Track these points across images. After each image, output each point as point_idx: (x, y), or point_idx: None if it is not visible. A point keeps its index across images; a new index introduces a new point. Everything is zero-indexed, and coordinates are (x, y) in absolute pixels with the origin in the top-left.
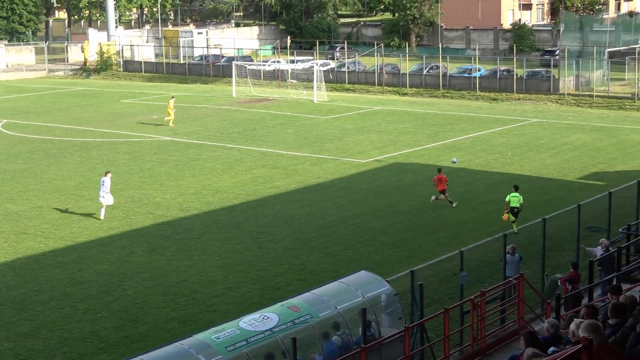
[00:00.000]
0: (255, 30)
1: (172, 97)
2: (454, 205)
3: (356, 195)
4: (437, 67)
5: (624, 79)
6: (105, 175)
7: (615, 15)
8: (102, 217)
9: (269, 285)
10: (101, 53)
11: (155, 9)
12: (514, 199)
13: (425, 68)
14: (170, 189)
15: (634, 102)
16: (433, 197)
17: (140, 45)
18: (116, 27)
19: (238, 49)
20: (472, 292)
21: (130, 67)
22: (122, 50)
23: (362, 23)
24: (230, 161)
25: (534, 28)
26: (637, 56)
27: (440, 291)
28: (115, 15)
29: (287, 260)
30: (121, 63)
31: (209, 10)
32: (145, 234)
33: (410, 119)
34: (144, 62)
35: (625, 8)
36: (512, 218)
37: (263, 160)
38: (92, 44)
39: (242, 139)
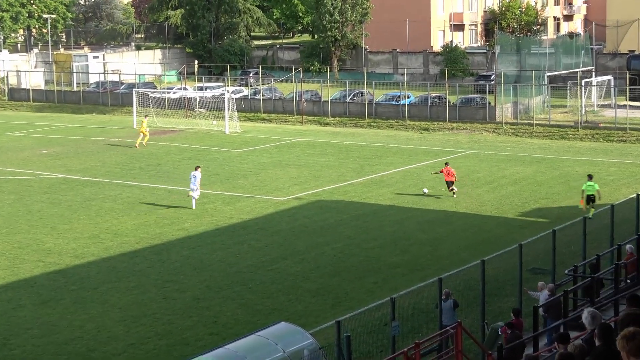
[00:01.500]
0: (158, 53)
1: (146, 117)
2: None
3: (274, 237)
4: (362, 94)
5: (565, 106)
6: (196, 170)
7: (555, 36)
8: (194, 207)
9: (177, 341)
10: None
11: (44, 30)
12: (590, 188)
13: (349, 95)
14: (63, 233)
15: (577, 130)
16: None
17: (28, 70)
18: (0, 50)
19: (139, 75)
20: (406, 343)
21: (17, 95)
22: (7, 76)
23: (278, 46)
24: (131, 201)
25: (467, 51)
26: (579, 81)
27: (370, 343)
28: None
29: (197, 312)
30: (6, 91)
31: (105, 32)
32: (35, 284)
33: (334, 152)
34: (32, 89)
35: (565, 29)
36: (590, 206)
37: (169, 199)
38: None
39: (144, 176)
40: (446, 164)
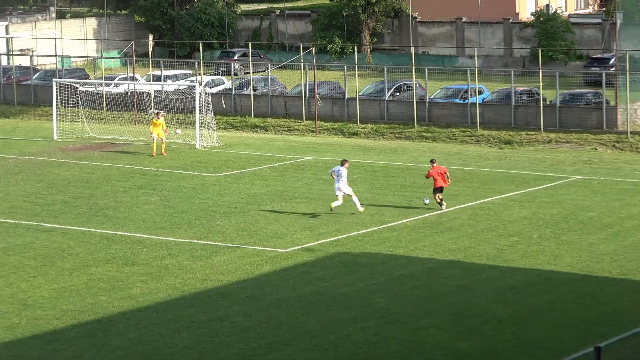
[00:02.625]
0: (92, 24)
1: (157, 113)
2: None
3: (272, 311)
4: (409, 88)
5: None
6: (342, 165)
7: None
8: (360, 208)
9: None
10: None
11: None
12: None
13: (389, 89)
14: None
15: None
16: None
17: None
18: None
19: (62, 58)
20: None
21: None
22: None
23: (277, 12)
24: (49, 253)
25: (572, 20)
26: None
27: None
28: None
29: None
30: None
31: None
32: None
33: (365, 177)
34: None
35: None
36: None
37: (108, 251)
38: None
39: (70, 214)
40: (432, 161)
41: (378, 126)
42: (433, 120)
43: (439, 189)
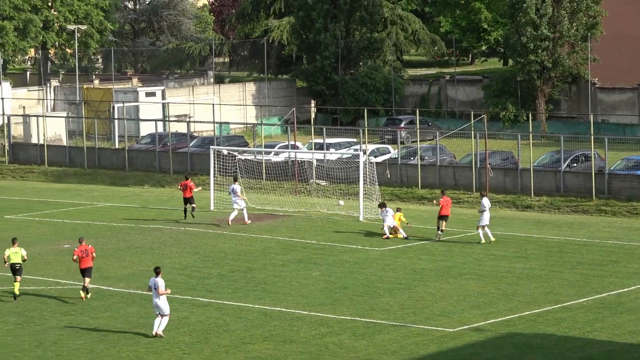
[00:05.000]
0: (251, 89)
1: (398, 210)
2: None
3: None
4: (587, 158)
5: None
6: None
7: None
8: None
9: None
10: None
11: (69, 51)
12: None
13: (566, 160)
14: None
15: None
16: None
17: (41, 115)
18: None
19: (220, 124)
20: None
21: (23, 155)
22: (8, 124)
23: (446, 77)
24: (204, 329)
25: None
26: None
27: None
28: None
29: None
30: (6, 148)
31: (167, 54)
32: None
33: (539, 253)
34: (48, 146)
35: None
36: None
37: (266, 328)
38: None
39: (227, 288)
40: (443, 192)
41: (553, 199)
42: (613, 193)
43: (444, 217)
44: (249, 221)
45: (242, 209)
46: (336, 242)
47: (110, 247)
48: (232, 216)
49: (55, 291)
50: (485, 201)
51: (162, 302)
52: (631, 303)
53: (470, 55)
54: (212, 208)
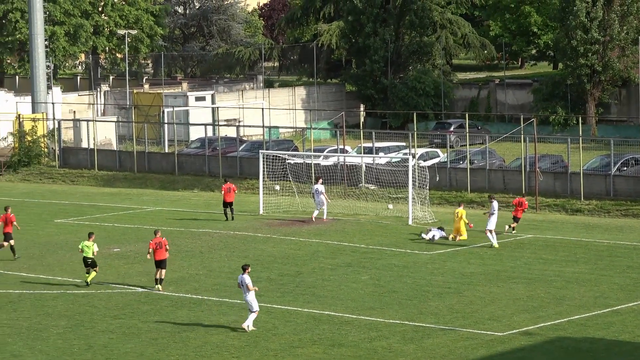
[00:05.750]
0: (300, 93)
1: (460, 205)
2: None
3: None
4: (637, 162)
5: None
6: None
7: None
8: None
9: None
10: (20, 134)
11: (119, 55)
12: None
13: (616, 163)
14: None
15: None
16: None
17: (91, 120)
18: (49, 87)
19: (270, 128)
20: None
21: (73, 159)
22: (58, 128)
23: (496, 81)
24: (254, 333)
25: None
26: None
27: None
28: (48, 68)
29: None
30: (56, 152)
31: (217, 59)
32: None
33: (588, 257)
34: (98, 150)
35: None
36: None
37: (315, 332)
38: (3, 117)
39: (276, 292)
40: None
41: (603, 203)
42: None
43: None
44: (326, 219)
45: (324, 207)
46: (385, 246)
47: None
48: (315, 213)
49: (105, 295)
50: (495, 204)
51: (251, 298)
52: None
53: (519, 59)
54: (261, 212)
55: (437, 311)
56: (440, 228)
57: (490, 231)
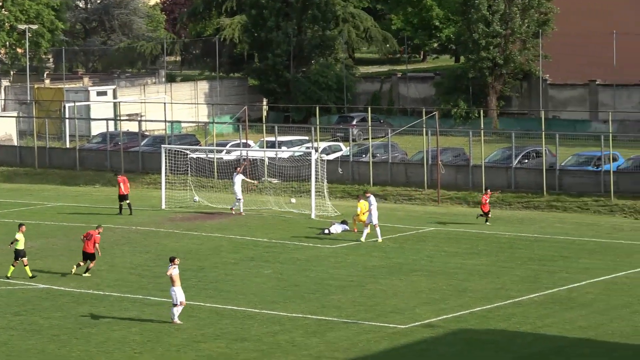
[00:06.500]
0: (203, 88)
1: (367, 193)
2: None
3: None
4: (538, 155)
5: None
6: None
7: None
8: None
9: None
10: None
11: (20, 51)
12: None
13: (517, 156)
14: None
15: None
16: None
17: None
18: None
19: (172, 123)
20: None
21: None
22: None
23: (398, 75)
24: (156, 328)
25: None
26: None
27: None
28: None
29: None
30: None
31: (118, 54)
32: None
33: (490, 250)
34: None
35: None
36: None
37: (218, 326)
38: None
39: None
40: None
41: (505, 195)
42: (564, 188)
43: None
44: (235, 212)
45: (238, 200)
46: (288, 240)
47: (61, 246)
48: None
49: (5, 291)
50: (372, 198)
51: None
52: (582, 298)
53: (421, 53)
54: (163, 207)
55: (339, 304)
56: (344, 222)
57: (374, 225)
